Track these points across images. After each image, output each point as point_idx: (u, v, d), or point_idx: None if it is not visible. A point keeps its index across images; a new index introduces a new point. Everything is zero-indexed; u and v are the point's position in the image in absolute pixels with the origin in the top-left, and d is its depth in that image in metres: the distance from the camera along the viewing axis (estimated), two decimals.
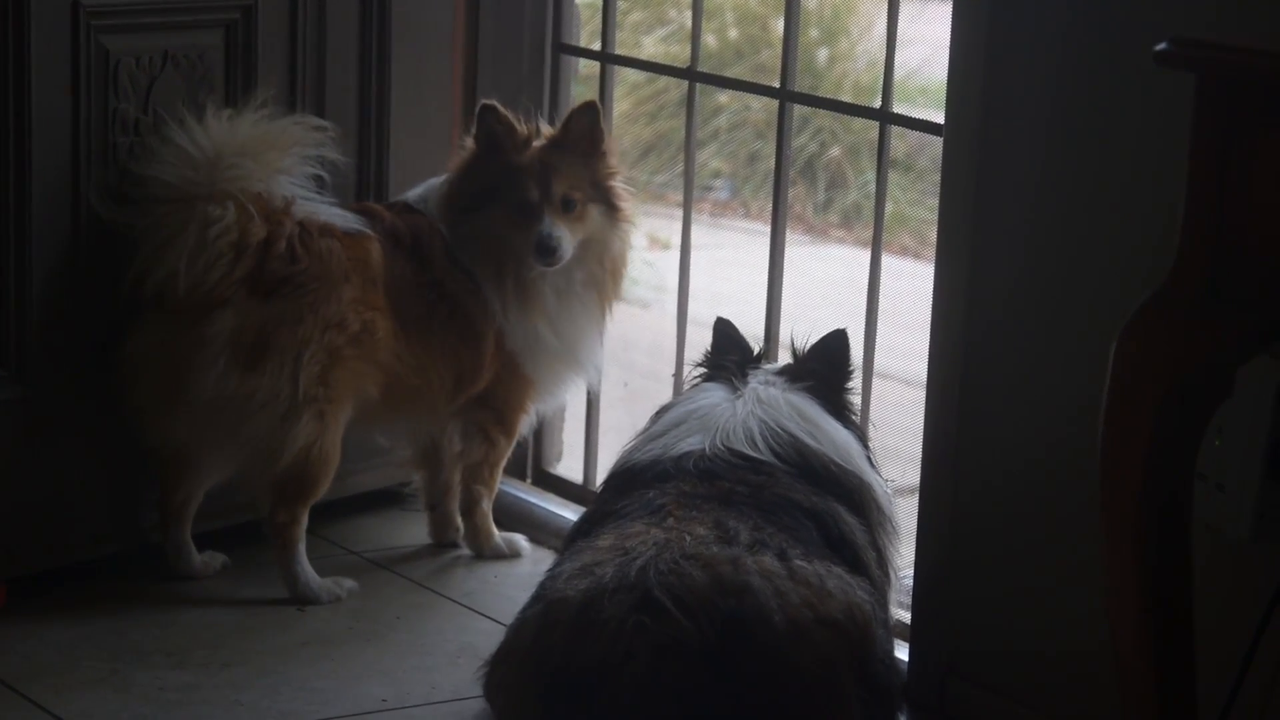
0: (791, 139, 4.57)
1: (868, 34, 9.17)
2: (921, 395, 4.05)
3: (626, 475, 3.99)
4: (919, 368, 4.10)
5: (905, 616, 4.13)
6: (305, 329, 4.27)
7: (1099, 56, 3.65)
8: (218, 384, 4.23)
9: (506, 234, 4.46)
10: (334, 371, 4.31)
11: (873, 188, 4.53)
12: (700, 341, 4.33)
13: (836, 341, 4.18)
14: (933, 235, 4.01)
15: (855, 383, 4.22)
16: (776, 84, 4.55)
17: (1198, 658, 3.03)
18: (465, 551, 4.77)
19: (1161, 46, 2.84)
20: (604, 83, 4.91)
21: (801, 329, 4.22)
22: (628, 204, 4.56)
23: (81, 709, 3.93)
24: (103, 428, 4.36)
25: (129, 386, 4.30)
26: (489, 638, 4.06)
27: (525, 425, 4.73)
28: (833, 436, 4.04)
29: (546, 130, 4.51)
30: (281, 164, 4.34)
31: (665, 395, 4.77)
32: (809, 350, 4.19)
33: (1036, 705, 3.85)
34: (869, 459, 4.11)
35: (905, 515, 4.13)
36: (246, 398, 4.25)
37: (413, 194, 4.60)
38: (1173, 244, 2.89)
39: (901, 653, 4.02)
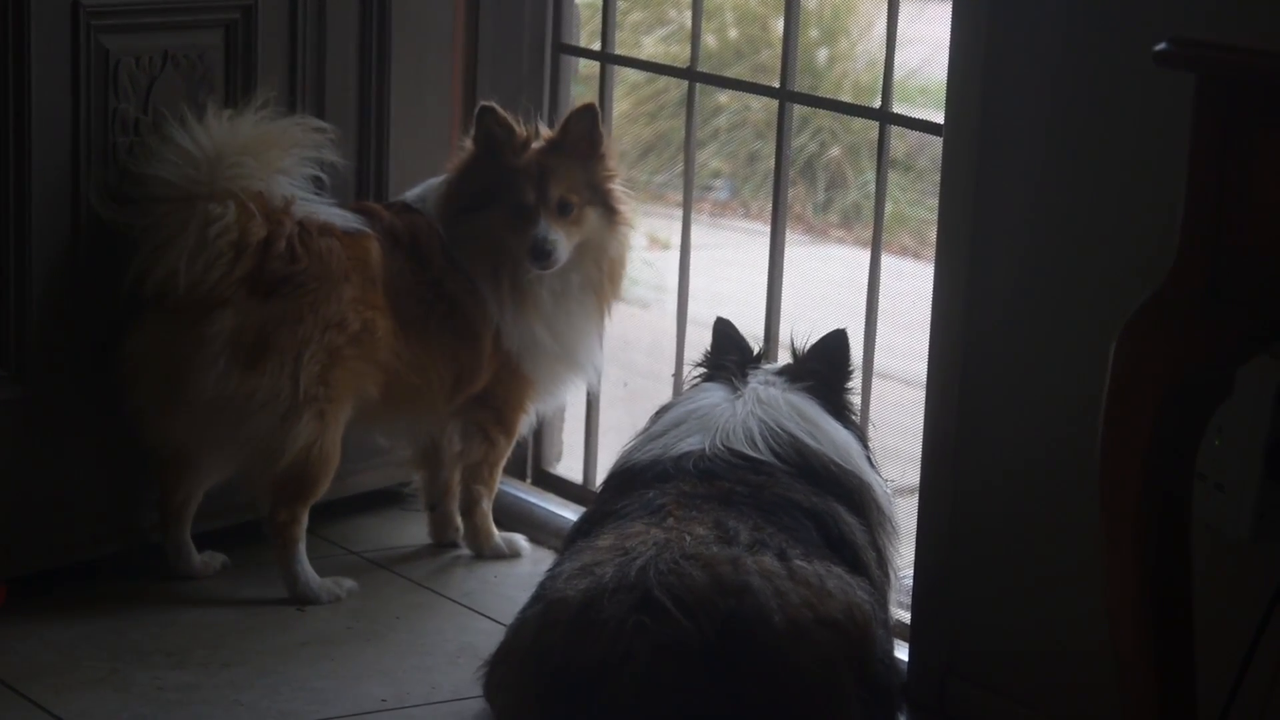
0: (791, 139, 4.57)
1: (867, 34, 9.17)
2: (921, 395, 4.05)
3: (626, 475, 3.99)
4: (919, 368, 4.10)
5: (905, 616, 4.13)
6: (305, 328, 4.27)
7: (1099, 56, 3.65)
8: (218, 384, 4.23)
9: (503, 236, 4.46)
10: (334, 371, 4.31)
11: (872, 188, 4.53)
12: (700, 341, 4.33)
13: (836, 341, 4.18)
14: (933, 235, 4.01)
15: (855, 383, 4.22)
16: (776, 84, 4.55)
17: (1198, 658, 3.03)
18: (465, 551, 4.77)
19: (1161, 46, 2.84)
20: (604, 83, 4.91)
21: (801, 329, 4.22)
22: (626, 207, 4.56)
23: (81, 709, 3.93)
24: (103, 428, 4.36)
25: (129, 386, 4.30)
26: (489, 638, 4.06)
27: (525, 425, 4.73)
28: (833, 436, 4.04)
29: (545, 132, 4.51)
30: (282, 164, 4.34)
31: (665, 395, 4.77)
32: (809, 350, 4.18)
33: (1036, 705, 3.85)
34: (869, 459, 4.11)
35: (905, 515, 4.13)
36: (247, 397, 4.25)
37: (411, 194, 4.60)
38: (1173, 244, 2.89)
39: (901, 653, 4.02)
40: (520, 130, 4.47)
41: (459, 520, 4.77)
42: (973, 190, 3.87)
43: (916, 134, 4.45)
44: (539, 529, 4.86)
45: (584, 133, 4.46)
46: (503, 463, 4.72)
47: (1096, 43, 3.65)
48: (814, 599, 3.59)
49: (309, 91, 4.59)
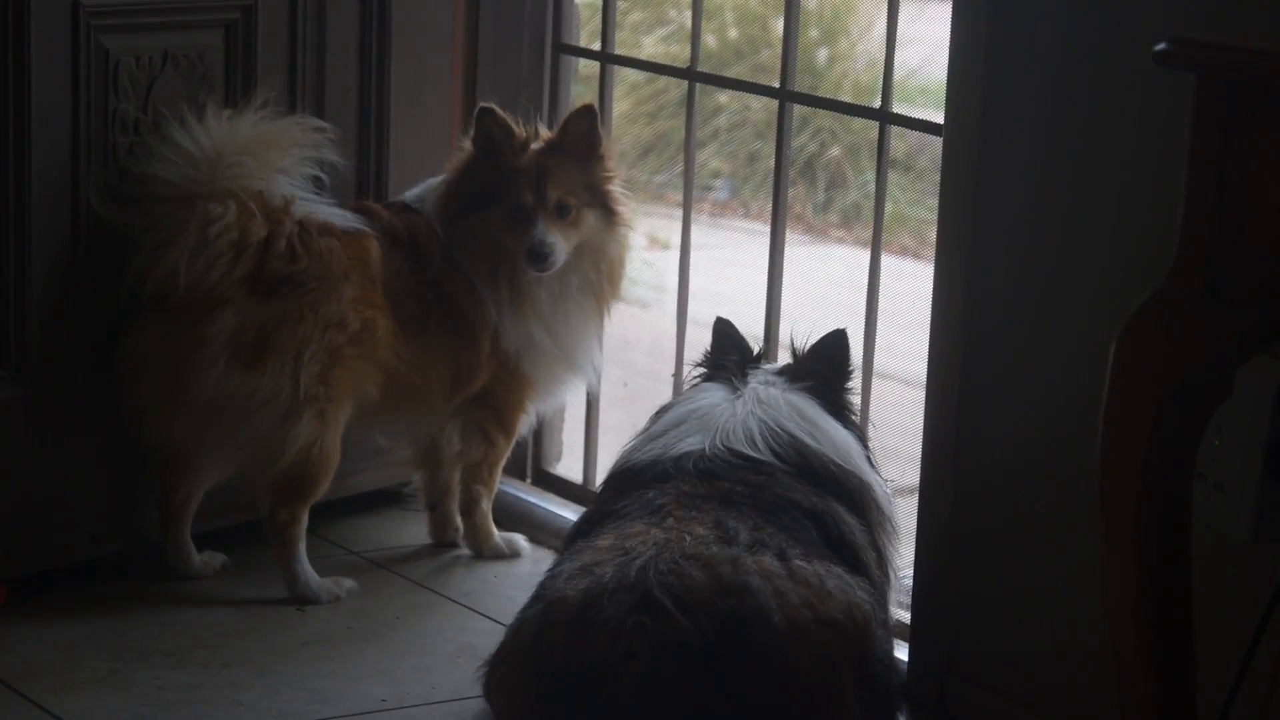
0: (791, 139, 4.57)
1: (867, 34, 9.17)
2: (921, 395, 4.05)
3: (626, 475, 3.99)
4: (919, 368, 4.10)
5: (905, 616, 4.13)
6: (305, 328, 4.27)
7: (1099, 56, 3.65)
8: (218, 383, 4.23)
9: (501, 237, 4.46)
10: (334, 370, 4.31)
11: (872, 188, 4.53)
12: (700, 341, 4.33)
13: (836, 341, 4.18)
14: (933, 235, 4.01)
15: (855, 383, 4.22)
16: (776, 84, 4.55)
17: (1198, 658, 3.03)
18: (465, 551, 4.77)
19: (1161, 46, 2.84)
20: (604, 83, 4.91)
21: (801, 329, 4.22)
22: (625, 208, 4.55)
23: (81, 709, 3.93)
24: (103, 428, 4.36)
25: (129, 386, 4.30)
26: (488, 637, 4.06)
27: (524, 425, 4.73)
28: (832, 436, 4.04)
29: (545, 133, 4.51)
30: (282, 163, 4.34)
31: (665, 395, 4.77)
32: (809, 350, 4.18)
33: (1036, 705, 3.85)
34: (869, 459, 4.11)
35: (905, 515, 4.13)
36: (247, 397, 4.25)
37: (411, 194, 4.60)
38: (1173, 244, 2.89)
39: (901, 653, 4.02)
40: (519, 131, 4.47)
41: (459, 520, 4.77)
42: (973, 190, 3.87)
43: (916, 134, 4.45)
44: (539, 529, 4.86)
45: (583, 133, 4.46)
46: (502, 463, 4.72)
47: (1096, 43, 3.65)
48: (814, 599, 3.59)
49: (309, 91, 4.59)
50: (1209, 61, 2.82)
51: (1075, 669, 3.74)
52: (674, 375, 4.83)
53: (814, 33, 9.09)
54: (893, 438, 4.79)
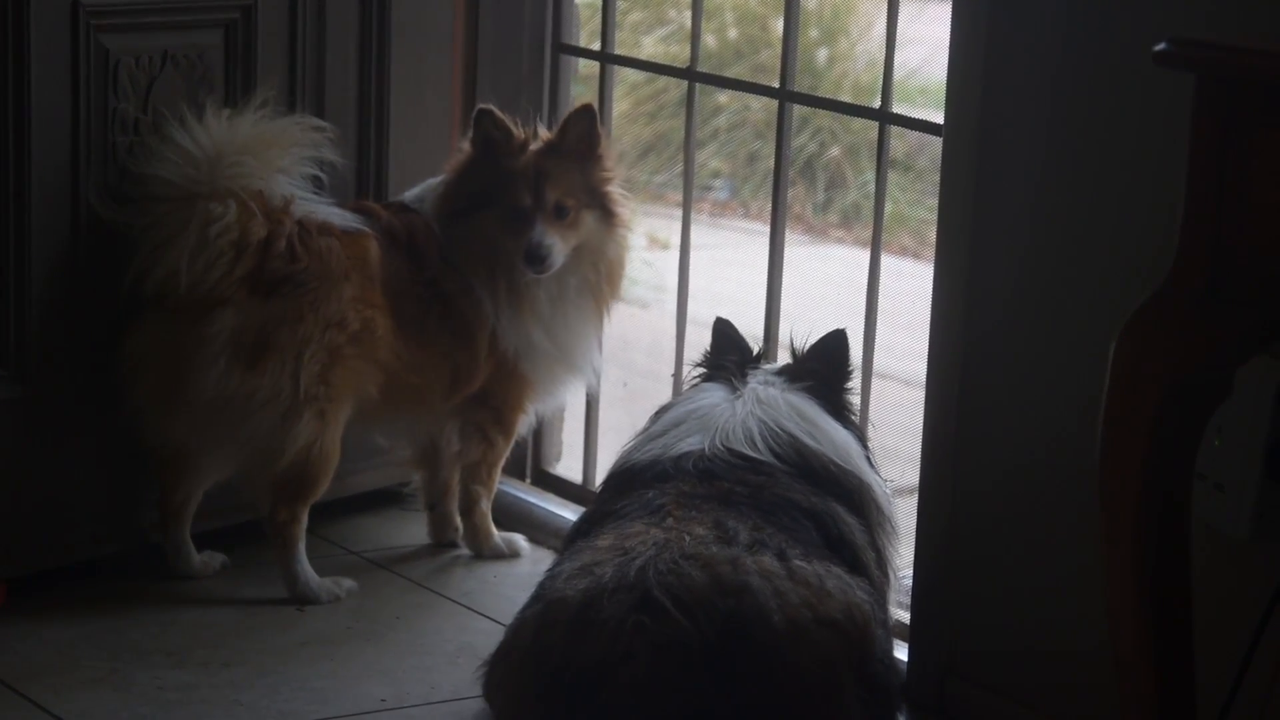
0: (791, 139, 4.57)
1: (867, 34, 9.17)
2: (921, 395, 4.05)
3: (626, 475, 3.99)
4: (918, 368, 4.10)
5: (904, 616, 4.13)
6: (306, 328, 4.27)
7: (1098, 56, 3.65)
8: (218, 383, 4.23)
9: (499, 239, 4.45)
10: (334, 370, 4.31)
11: (872, 188, 4.53)
12: (699, 341, 4.33)
13: (836, 341, 4.18)
14: (932, 235, 4.01)
15: (855, 383, 4.22)
16: (776, 84, 4.55)
17: (1198, 658, 3.03)
18: (464, 551, 4.77)
19: (1161, 46, 2.84)
20: (603, 83, 4.91)
21: (801, 329, 4.22)
22: (624, 209, 4.55)
23: (81, 709, 3.93)
24: (103, 428, 4.36)
25: (129, 386, 4.30)
26: (488, 637, 4.06)
27: (523, 425, 4.73)
28: (832, 436, 4.04)
29: (545, 133, 4.51)
30: (282, 163, 4.34)
31: (665, 395, 4.77)
32: (808, 350, 4.18)
33: (1036, 705, 3.85)
34: (868, 459, 4.11)
35: (905, 515, 4.13)
36: (247, 397, 4.25)
37: (410, 194, 4.60)
38: (1173, 244, 2.89)
39: (901, 653, 4.02)
40: (518, 133, 4.47)
41: (458, 520, 4.77)
42: (973, 190, 3.87)
43: (916, 134, 4.45)
44: (538, 529, 4.86)
45: (582, 134, 4.46)
46: (501, 463, 4.72)
47: (1096, 43, 3.65)
48: (813, 599, 3.59)
49: (309, 91, 4.59)
50: (1209, 61, 2.82)
51: (1075, 669, 3.74)
52: (674, 375, 4.83)
53: (814, 33, 9.09)
54: (893, 438, 4.79)
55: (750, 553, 3.62)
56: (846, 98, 8.89)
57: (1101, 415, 2.93)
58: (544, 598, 3.68)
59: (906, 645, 4.07)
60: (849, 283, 6.42)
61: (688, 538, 3.64)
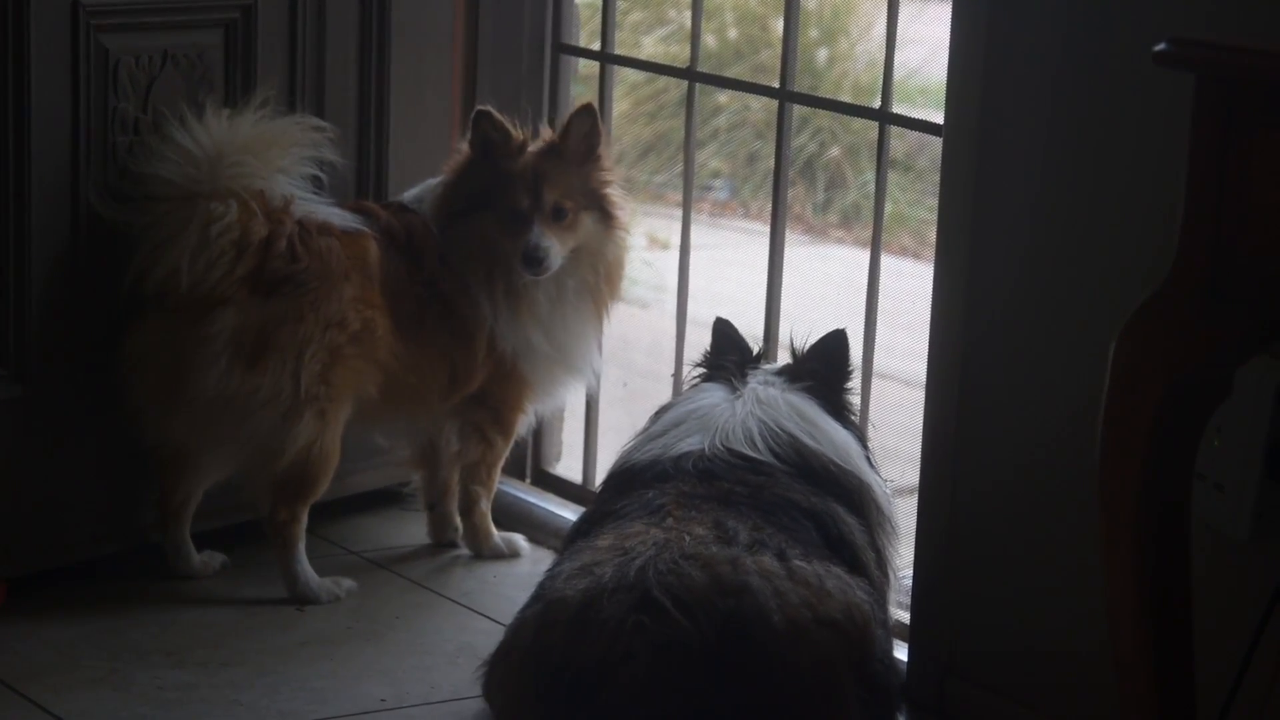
0: (791, 139, 4.57)
1: (867, 34, 9.17)
2: (921, 395, 4.05)
3: (626, 475, 3.99)
4: (918, 368, 4.10)
5: (904, 616, 4.13)
6: (306, 327, 4.27)
7: (1098, 56, 3.65)
8: (219, 383, 4.23)
9: (497, 241, 4.45)
10: (335, 370, 4.31)
11: (872, 188, 4.53)
12: (699, 341, 4.33)
13: (836, 341, 4.18)
14: (932, 235, 4.01)
15: (854, 383, 4.22)
16: (776, 84, 4.55)
17: (1198, 658, 3.03)
18: (464, 551, 4.76)
19: (1161, 46, 2.84)
20: (603, 83, 4.91)
21: (801, 329, 4.22)
22: (622, 211, 4.55)
23: (80, 708, 3.93)
24: (103, 428, 4.36)
25: (129, 385, 4.30)
26: (488, 637, 4.06)
27: (523, 425, 4.73)
28: (832, 437, 4.04)
29: (546, 134, 4.51)
30: (283, 163, 4.34)
31: (664, 395, 4.77)
32: (808, 350, 4.18)
33: (1036, 705, 3.85)
34: (868, 459, 4.11)
35: (905, 515, 4.13)
36: (248, 396, 4.25)
37: (409, 194, 4.60)
38: (1173, 244, 2.89)
39: (900, 653, 4.02)
40: (516, 134, 4.47)
41: (458, 520, 4.77)
42: (973, 190, 3.87)
43: (916, 134, 4.45)
44: (538, 529, 4.86)
45: (582, 135, 4.46)
46: (500, 463, 4.72)
47: (1096, 43, 3.65)
48: (813, 599, 3.59)
49: (309, 91, 4.59)
50: (1209, 61, 2.82)
51: (1075, 669, 3.74)
52: (673, 375, 4.83)
53: (814, 33, 9.09)
54: (893, 438, 4.79)
55: (750, 553, 3.62)
56: (846, 98, 8.89)
57: (1101, 415, 2.93)
58: (544, 598, 3.68)
59: (906, 645, 4.07)
60: (849, 283, 6.43)
61: (688, 538, 3.65)
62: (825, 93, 8.84)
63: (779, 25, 6.51)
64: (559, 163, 4.44)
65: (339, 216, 4.41)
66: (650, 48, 8.99)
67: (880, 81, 4.40)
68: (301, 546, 4.43)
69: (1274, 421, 3.33)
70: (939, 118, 4.01)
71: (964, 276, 3.90)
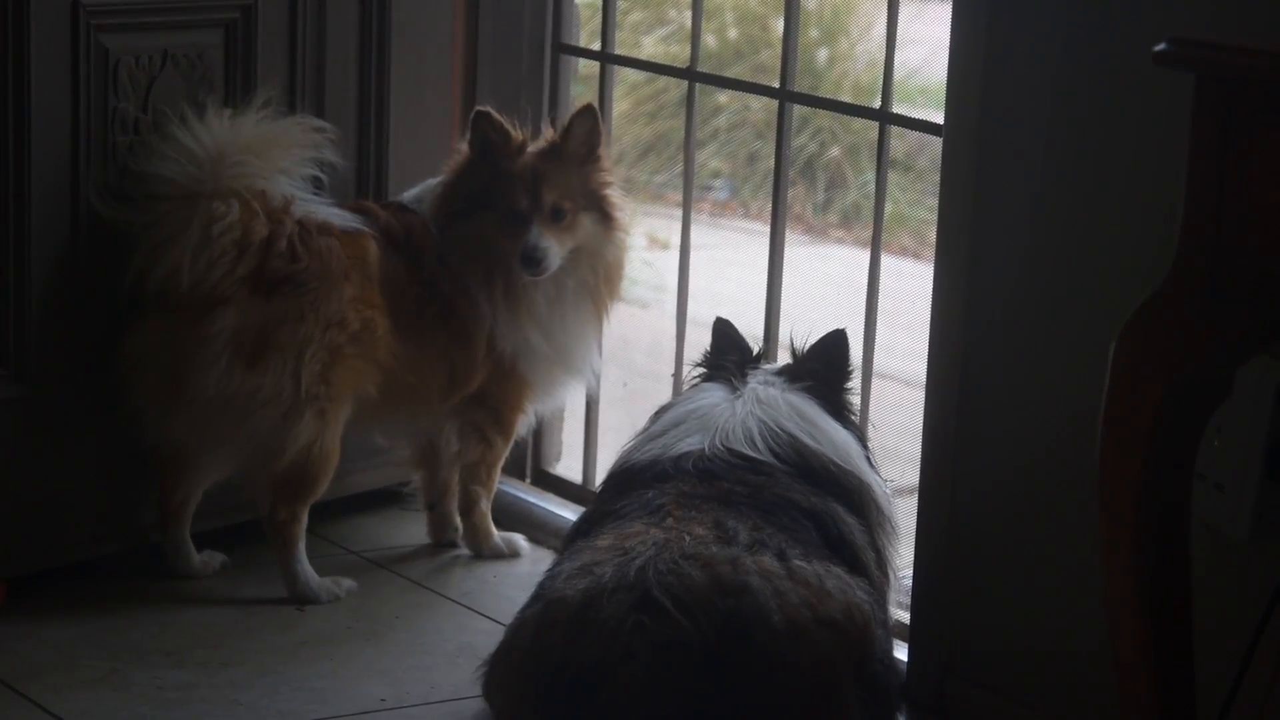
0: (791, 139, 4.57)
1: (868, 34, 9.17)
2: (921, 395, 4.05)
3: (625, 475, 3.99)
4: (918, 368, 4.09)
5: (904, 616, 4.13)
6: (307, 327, 4.27)
7: (1098, 56, 3.65)
8: (219, 382, 4.23)
9: (496, 241, 4.45)
10: (335, 370, 4.31)
11: (872, 188, 4.53)
12: (699, 341, 4.33)
13: (836, 341, 4.18)
14: (932, 235, 4.01)
15: (854, 383, 4.22)
16: (776, 84, 4.55)
17: (1198, 658, 3.03)
18: (464, 551, 4.76)
19: (1161, 46, 2.84)
20: (604, 83, 4.91)
21: (800, 329, 4.22)
22: (622, 212, 4.54)
23: (80, 708, 3.93)
24: (103, 427, 4.36)
25: (129, 385, 4.30)
26: (488, 637, 4.06)
27: (522, 426, 4.73)
28: (832, 436, 4.04)
29: (547, 133, 4.51)
30: (284, 163, 4.34)
31: (664, 395, 4.77)
32: (808, 350, 4.18)
33: (1036, 705, 3.85)
34: (868, 459, 4.11)
35: (905, 515, 4.13)
36: (248, 396, 4.25)
37: (408, 195, 4.61)
38: (1173, 244, 2.89)
39: (900, 653, 4.02)
40: (515, 134, 4.47)
41: (458, 520, 4.77)
42: (973, 190, 3.87)
43: (916, 134, 4.45)
44: (538, 529, 4.86)
45: (582, 136, 4.46)
46: (500, 463, 4.72)
47: (1096, 43, 3.65)
48: (813, 599, 3.59)
49: (309, 91, 4.59)
50: (1209, 61, 2.82)
51: (1075, 669, 3.74)
52: (673, 375, 4.83)
53: (814, 33, 9.09)
54: (893, 438, 4.79)
55: (750, 553, 3.62)
56: (846, 98, 8.89)
57: (1101, 415, 2.93)
58: (544, 597, 3.68)
59: (906, 645, 4.07)
60: (849, 283, 6.43)
61: (687, 538, 3.65)
62: (825, 93, 8.84)
63: (779, 25, 6.51)
64: (558, 163, 4.44)
65: (339, 216, 4.41)
66: (650, 48, 9.00)
67: (880, 81, 4.40)
68: (301, 546, 4.43)
69: (1274, 421, 3.33)
70: (939, 118, 4.01)
71: (964, 276, 3.90)
